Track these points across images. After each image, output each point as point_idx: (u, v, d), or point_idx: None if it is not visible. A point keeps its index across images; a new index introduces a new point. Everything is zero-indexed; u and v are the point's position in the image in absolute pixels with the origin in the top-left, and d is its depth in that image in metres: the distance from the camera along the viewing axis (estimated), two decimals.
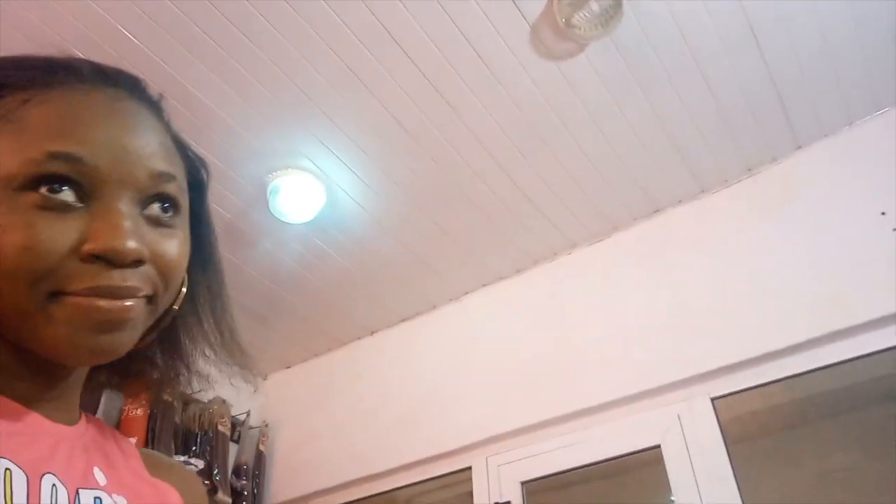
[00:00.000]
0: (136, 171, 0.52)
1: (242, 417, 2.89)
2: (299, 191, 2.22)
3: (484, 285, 2.74)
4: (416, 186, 2.30)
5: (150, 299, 0.53)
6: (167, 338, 0.62)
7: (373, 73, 1.93)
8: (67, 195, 0.48)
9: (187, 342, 0.63)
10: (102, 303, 0.48)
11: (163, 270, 0.52)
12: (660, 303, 2.27)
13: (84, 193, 0.49)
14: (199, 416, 2.65)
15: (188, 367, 0.64)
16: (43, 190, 0.47)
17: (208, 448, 2.60)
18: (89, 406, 0.60)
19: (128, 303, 0.49)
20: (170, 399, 2.46)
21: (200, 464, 2.51)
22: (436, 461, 2.52)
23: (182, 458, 2.45)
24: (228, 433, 2.74)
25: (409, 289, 2.74)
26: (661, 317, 2.25)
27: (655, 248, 2.40)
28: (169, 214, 0.54)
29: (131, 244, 0.49)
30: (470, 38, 1.85)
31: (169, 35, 1.78)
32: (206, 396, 2.69)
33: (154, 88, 0.62)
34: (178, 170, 0.57)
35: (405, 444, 2.58)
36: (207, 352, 0.64)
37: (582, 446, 2.24)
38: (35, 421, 0.51)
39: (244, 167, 2.17)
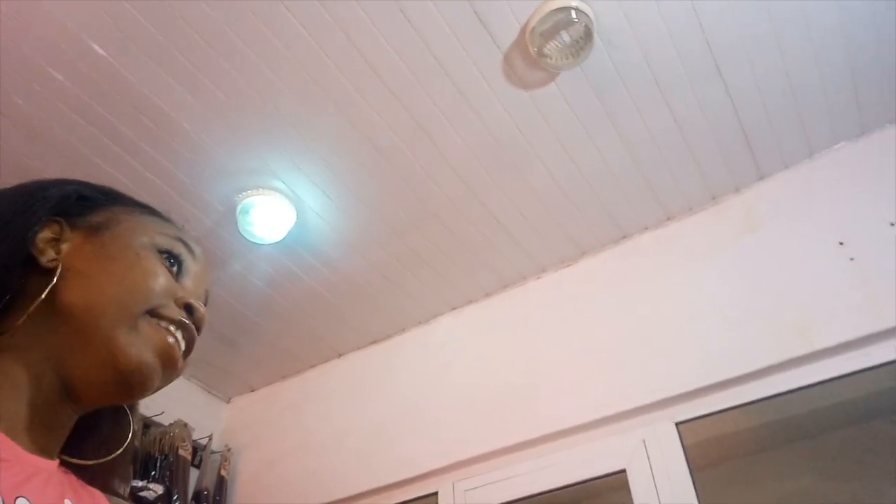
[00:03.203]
0: (207, 285, 0.78)
1: (204, 441, 2.83)
2: (269, 211, 2.20)
3: (453, 309, 2.75)
4: (386, 209, 2.30)
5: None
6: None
7: (345, 95, 1.93)
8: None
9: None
10: (174, 336, 0.67)
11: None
12: (626, 328, 2.30)
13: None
14: (160, 439, 2.58)
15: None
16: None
17: (168, 473, 2.53)
18: None
19: (179, 352, 0.68)
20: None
21: (160, 489, 2.43)
22: (402, 486, 2.49)
23: (141, 483, 2.38)
24: (189, 458, 2.67)
25: (377, 311, 2.73)
26: (627, 342, 2.27)
27: (622, 274, 2.43)
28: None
29: (203, 315, 0.71)
30: (443, 63, 1.88)
31: (140, 51, 1.76)
32: (166, 419, 2.63)
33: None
34: None
35: (370, 470, 2.55)
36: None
37: (549, 471, 2.24)
38: (15, 451, 0.57)
39: (214, 186, 2.15)
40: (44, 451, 0.61)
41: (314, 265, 2.48)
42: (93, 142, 1.94)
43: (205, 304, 0.75)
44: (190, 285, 0.72)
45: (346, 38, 1.79)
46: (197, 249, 0.76)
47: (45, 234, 0.66)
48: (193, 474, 2.71)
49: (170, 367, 0.66)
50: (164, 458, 2.55)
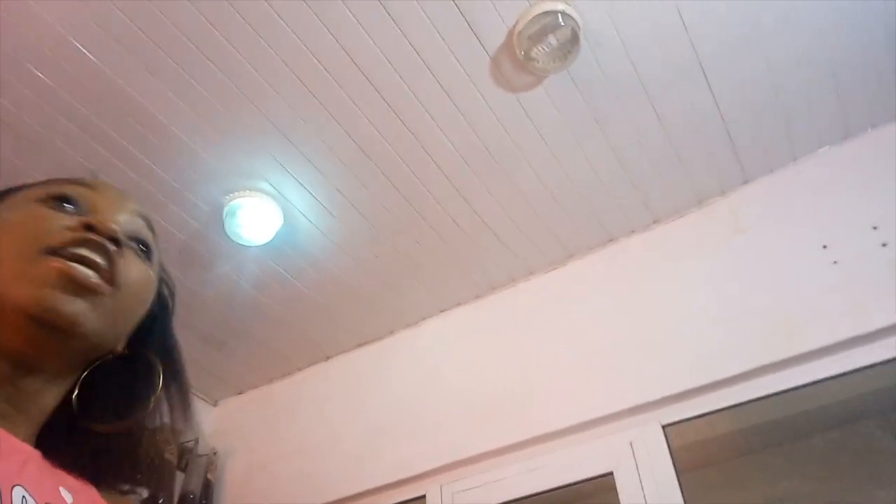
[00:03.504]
0: (128, 204, 0.71)
1: (190, 444, 2.81)
2: (256, 213, 2.19)
3: (442, 311, 2.74)
4: (375, 211, 2.30)
5: (105, 297, 0.62)
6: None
7: (333, 97, 1.93)
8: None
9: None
10: (79, 267, 0.60)
11: (119, 278, 0.64)
12: (613, 330, 2.31)
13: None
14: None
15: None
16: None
17: (154, 476, 2.51)
18: None
19: (84, 271, 0.61)
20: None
21: (145, 492, 2.41)
22: (390, 489, 2.49)
23: (126, 487, 2.36)
24: (175, 461, 2.66)
25: (366, 313, 2.73)
26: (614, 344, 2.28)
27: (609, 277, 2.44)
28: (143, 251, 0.70)
29: (115, 226, 0.65)
30: (431, 66, 1.88)
31: (126, 51, 1.76)
32: (151, 423, 2.61)
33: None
34: (152, 238, 0.73)
35: (358, 473, 2.54)
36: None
37: (536, 474, 2.25)
38: (4, 436, 0.55)
39: (201, 188, 2.14)
40: (28, 437, 0.60)
41: (302, 267, 2.47)
42: (78, 142, 1.93)
43: (144, 225, 0.72)
44: (98, 214, 0.67)
45: (334, 40, 1.79)
46: (98, 182, 0.72)
47: None
48: (180, 478, 2.69)
49: (82, 289, 0.60)
50: (150, 461, 2.53)
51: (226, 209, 2.17)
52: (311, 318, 2.71)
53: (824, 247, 2.07)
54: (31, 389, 0.61)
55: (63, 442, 0.65)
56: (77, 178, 0.71)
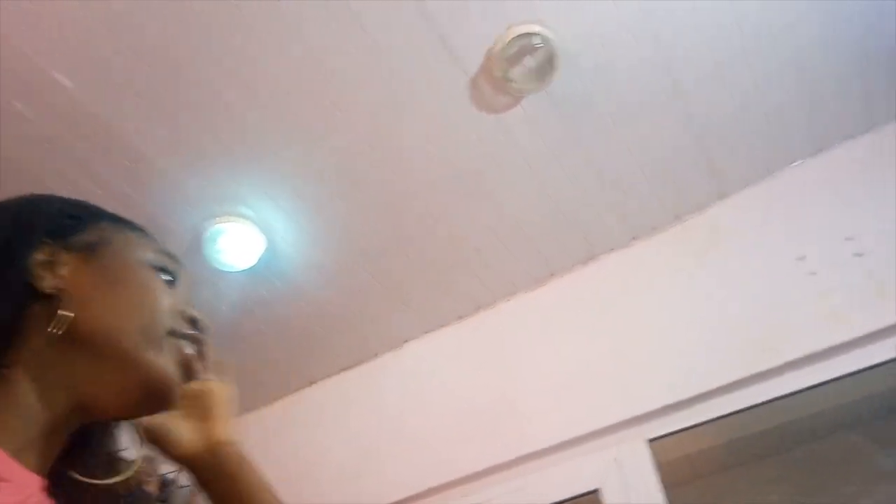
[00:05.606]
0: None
1: (172, 476, 2.75)
2: (236, 238, 2.18)
3: (426, 332, 2.73)
4: (356, 234, 2.30)
5: None
6: None
7: (312, 121, 1.94)
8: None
9: None
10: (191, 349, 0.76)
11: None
12: (596, 347, 2.32)
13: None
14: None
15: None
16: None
17: None
18: None
19: (198, 363, 0.80)
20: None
21: None
22: None
23: None
24: (156, 492, 2.60)
25: (349, 337, 2.71)
26: (597, 360, 2.29)
27: (591, 294, 2.45)
28: None
29: (206, 325, 0.83)
30: (410, 86, 1.90)
31: (102, 79, 1.75)
32: (132, 453, 2.56)
33: None
34: None
35: (343, 498, 2.50)
36: None
37: (522, 493, 2.23)
38: (17, 471, 0.56)
39: (179, 213, 2.12)
40: (39, 468, 0.60)
41: (284, 292, 2.45)
42: (54, 168, 1.91)
43: None
44: (184, 296, 0.76)
45: (313, 64, 1.80)
46: (180, 259, 0.80)
47: (39, 257, 0.64)
48: None
49: (190, 377, 0.75)
50: (129, 493, 2.48)
51: (206, 235, 2.15)
52: (294, 342, 2.68)
53: (801, 258, 2.11)
54: (67, 432, 0.64)
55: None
56: (161, 244, 0.79)
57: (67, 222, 0.69)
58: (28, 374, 0.59)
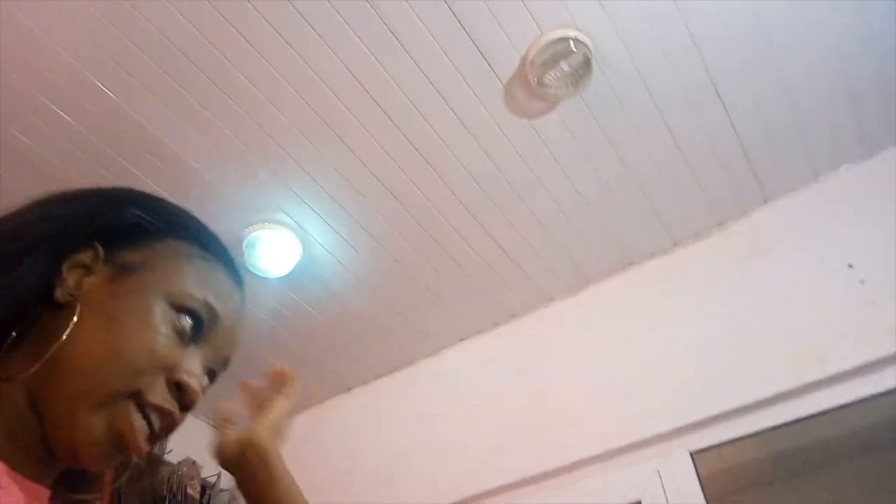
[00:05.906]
0: (228, 353, 0.69)
1: (213, 479, 2.79)
2: (275, 245, 2.21)
3: (461, 340, 2.72)
4: (393, 241, 2.30)
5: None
6: None
7: (349, 129, 1.95)
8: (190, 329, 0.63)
9: None
10: (146, 419, 0.59)
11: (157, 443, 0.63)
12: (637, 355, 2.27)
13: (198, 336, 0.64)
14: (168, 478, 2.56)
15: None
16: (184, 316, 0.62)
17: None
18: None
19: (143, 436, 0.59)
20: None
21: None
22: None
23: None
24: (198, 496, 2.64)
25: (386, 344, 2.71)
26: (639, 369, 2.24)
27: (630, 302, 2.41)
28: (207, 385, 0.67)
29: (199, 396, 0.63)
30: (445, 95, 1.89)
31: (144, 89, 1.79)
32: (175, 457, 2.60)
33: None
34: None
35: None
36: None
37: None
38: (15, 478, 0.54)
39: (219, 221, 2.16)
40: (43, 478, 0.59)
41: (321, 298, 2.47)
42: (95, 177, 1.96)
43: (222, 369, 0.69)
44: (204, 352, 0.64)
45: (350, 74, 1.81)
46: (234, 312, 0.67)
47: (79, 257, 0.60)
48: None
49: (128, 450, 0.58)
50: (173, 496, 2.52)
51: (245, 242, 2.19)
52: (330, 349, 2.70)
53: (850, 266, 2.03)
54: (58, 468, 0.61)
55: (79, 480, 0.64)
56: (225, 287, 0.68)
57: (129, 229, 0.64)
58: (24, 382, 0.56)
